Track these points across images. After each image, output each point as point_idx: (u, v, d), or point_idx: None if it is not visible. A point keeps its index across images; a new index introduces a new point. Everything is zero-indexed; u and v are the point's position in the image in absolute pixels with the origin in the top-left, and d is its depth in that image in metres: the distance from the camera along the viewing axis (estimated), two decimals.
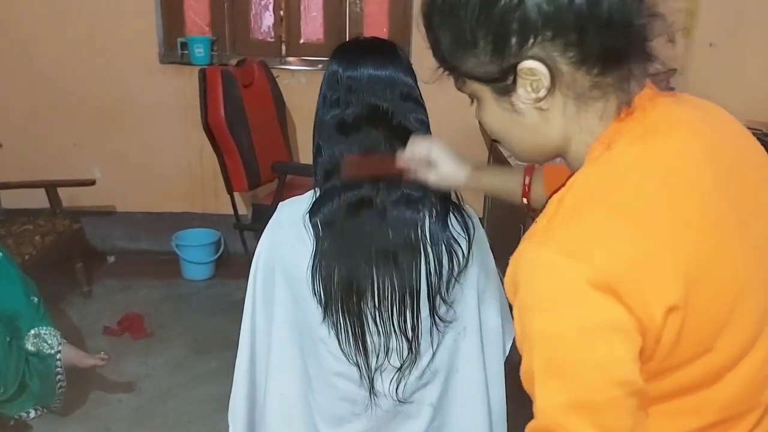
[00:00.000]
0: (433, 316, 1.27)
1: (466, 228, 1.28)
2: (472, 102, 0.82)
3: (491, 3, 0.70)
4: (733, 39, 3.27)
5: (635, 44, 0.71)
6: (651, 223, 0.69)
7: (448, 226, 1.25)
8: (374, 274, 1.22)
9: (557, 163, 1.26)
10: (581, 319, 0.66)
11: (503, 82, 0.73)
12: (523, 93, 0.73)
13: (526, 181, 1.18)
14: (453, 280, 1.27)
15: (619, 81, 0.73)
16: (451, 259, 1.25)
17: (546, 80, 0.71)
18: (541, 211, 0.74)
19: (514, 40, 0.70)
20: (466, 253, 1.26)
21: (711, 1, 3.21)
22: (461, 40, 0.74)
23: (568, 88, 0.73)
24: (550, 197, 0.75)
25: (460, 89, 0.81)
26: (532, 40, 0.70)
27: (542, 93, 0.72)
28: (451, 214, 1.26)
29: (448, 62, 0.78)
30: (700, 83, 2.94)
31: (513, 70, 0.72)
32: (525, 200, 1.19)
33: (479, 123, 0.83)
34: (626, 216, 0.69)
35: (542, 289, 0.68)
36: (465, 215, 1.29)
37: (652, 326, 0.66)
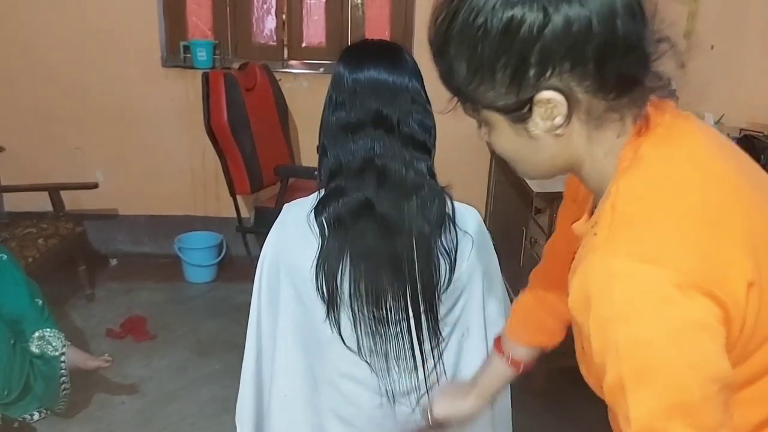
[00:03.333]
0: (437, 319, 1.27)
1: (466, 230, 1.28)
2: (480, 126, 0.82)
3: (511, 34, 0.69)
4: (733, 41, 3.27)
5: (648, 68, 0.73)
6: (706, 213, 0.71)
7: (450, 230, 1.25)
8: (376, 275, 1.23)
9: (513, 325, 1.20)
10: (670, 323, 0.67)
11: (519, 111, 0.74)
12: (539, 121, 0.74)
13: (505, 354, 1.17)
14: (457, 282, 1.27)
15: (633, 100, 0.74)
16: (453, 262, 1.25)
17: (563, 109, 0.72)
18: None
19: (532, 72, 0.70)
20: (470, 254, 1.27)
21: (712, 4, 3.22)
22: (478, 72, 0.73)
23: (584, 114, 0.73)
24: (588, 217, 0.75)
25: (471, 116, 0.80)
26: (550, 72, 0.70)
27: (558, 120, 0.73)
28: (452, 218, 1.27)
29: (462, 92, 0.77)
30: (700, 86, 2.93)
31: (530, 100, 0.72)
32: (515, 369, 1.17)
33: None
34: (684, 211, 0.70)
35: (622, 297, 0.68)
36: (468, 216, 1.30)
37: (737, 311, 0.68)
